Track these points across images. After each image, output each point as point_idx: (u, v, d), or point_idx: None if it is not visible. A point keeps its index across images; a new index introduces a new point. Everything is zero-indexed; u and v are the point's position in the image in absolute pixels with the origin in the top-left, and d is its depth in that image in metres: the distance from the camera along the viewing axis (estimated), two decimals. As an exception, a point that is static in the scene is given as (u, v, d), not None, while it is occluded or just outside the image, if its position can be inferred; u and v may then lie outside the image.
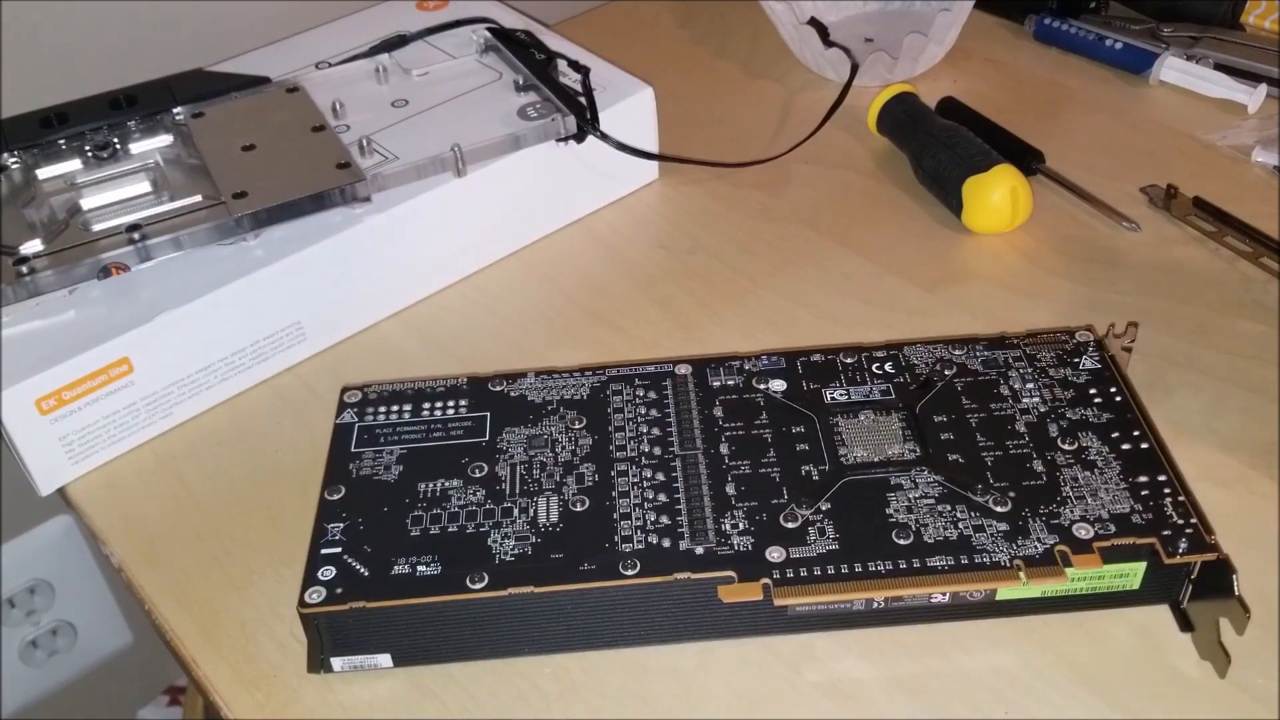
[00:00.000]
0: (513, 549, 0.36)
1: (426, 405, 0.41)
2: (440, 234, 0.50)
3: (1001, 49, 0.65)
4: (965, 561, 0.34)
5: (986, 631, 0.36)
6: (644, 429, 0.40)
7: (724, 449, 0.39)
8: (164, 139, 0.50)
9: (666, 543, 0.35)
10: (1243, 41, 0.61)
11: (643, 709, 0.35)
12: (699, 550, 0.35)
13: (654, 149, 0.55)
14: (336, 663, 0.36)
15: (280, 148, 0.48)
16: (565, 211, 0.54)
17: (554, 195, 0.53)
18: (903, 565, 0.34)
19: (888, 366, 0.41)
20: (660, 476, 0.38)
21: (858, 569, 0.34)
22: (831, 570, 0.34)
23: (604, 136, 0.51)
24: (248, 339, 0.46)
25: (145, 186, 0.47)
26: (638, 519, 0.36)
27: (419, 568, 0.35)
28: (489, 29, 0.56)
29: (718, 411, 0.40)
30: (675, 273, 0.51)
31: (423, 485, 0.38)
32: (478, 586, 0.34)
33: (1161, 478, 0.36)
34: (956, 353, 0.42)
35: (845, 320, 0.48)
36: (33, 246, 0.43)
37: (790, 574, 0.34)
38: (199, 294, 0.44)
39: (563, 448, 0.39)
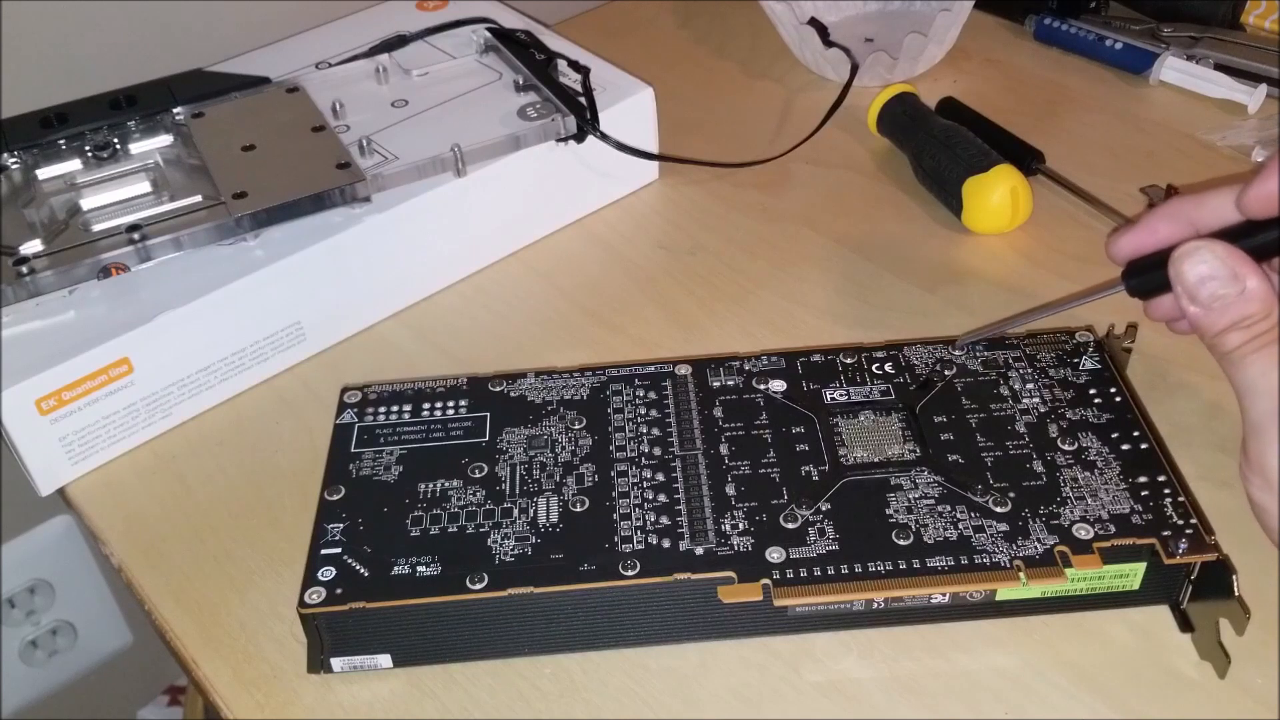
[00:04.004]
0: (513, 549, 0.36)
1: (426, 405, 0.41)
2: (440, 234, 0.50)
3: (1001, 49, 0.65)
4: (965, 562, 0.34)
5: (986, 631, 0.36)
6: (644, 429, 0.40)
7: (724, 449, 0.39)
8: (164, 139, 0.50)
9: (666, 543, 0.35)
10: (1243, 41, 0.61)
11: (643, 709, 0.35)
12: (699, 551, 0.35)
13: (654, 149, 0.55)
14: (336, 663, 0.36)
15: (280, 148, 0.48)
16: (565, 211, 0.54)
17: (554, 195, 0.53)
18: (903, 566, 0.34)
19: (888, 367, 0.41)
20: (660, 477, 0.38)
21: (858, 569, 0.34)
22: (831, 571, 0.34)
23: (604, 136, 0.51)
24: (248, 339, 0.46)
25: (145, 187, 0.47)
26: (638, 519, 0.36)
27: (419, 568, 0.35)
28: (489, 29, 0.56)
29: (718, 412, 0.40)
30: (675, 273, 0.51)
31: (423, 485, 0.38)
32: (478, 587, 0.34)
33: (1161, 478, 0.36)
34: (956, 353, 0.42)
35: (845, 320, 0.48)
36: (33, 246, 0.43)
37: (790, 574, 0.34)
38: (199, 294, 0.44)
39: (563, 448, 0.39)
